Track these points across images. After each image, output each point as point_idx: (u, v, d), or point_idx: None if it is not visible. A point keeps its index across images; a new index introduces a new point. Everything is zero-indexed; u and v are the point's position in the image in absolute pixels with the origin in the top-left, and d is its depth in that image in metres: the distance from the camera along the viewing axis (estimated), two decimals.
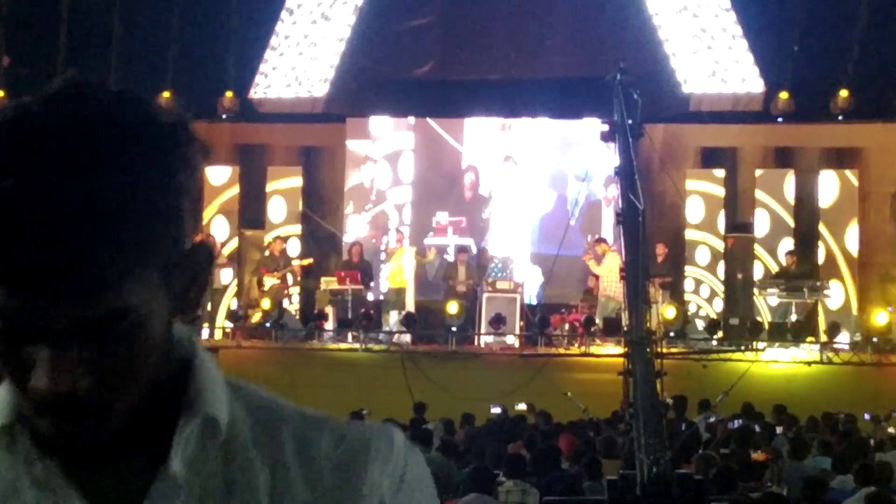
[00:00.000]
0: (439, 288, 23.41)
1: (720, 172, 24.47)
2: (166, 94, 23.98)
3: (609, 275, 21.81)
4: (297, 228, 25.15)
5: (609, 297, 21.91)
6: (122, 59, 25.44)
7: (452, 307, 21.95)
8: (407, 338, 22.16)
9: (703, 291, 24.12)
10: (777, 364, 20.37)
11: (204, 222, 24.81)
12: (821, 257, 23.62)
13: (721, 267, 24.01)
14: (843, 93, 24.11)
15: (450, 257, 24.12)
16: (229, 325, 23.25)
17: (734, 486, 10.78)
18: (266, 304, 22.74)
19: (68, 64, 25.22)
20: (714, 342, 21.52)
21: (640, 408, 10.26)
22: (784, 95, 24.34)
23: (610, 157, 12.64)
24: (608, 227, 23.54)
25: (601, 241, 22.84)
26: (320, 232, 25.15)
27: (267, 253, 23.84)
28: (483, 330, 21.94)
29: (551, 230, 23.37)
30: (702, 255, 24.21)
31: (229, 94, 25.61)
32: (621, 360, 11.91)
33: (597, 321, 21.70)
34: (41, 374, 1.36)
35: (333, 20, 25.86)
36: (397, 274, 23.30)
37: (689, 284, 24.11)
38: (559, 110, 24.78)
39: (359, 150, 25.48)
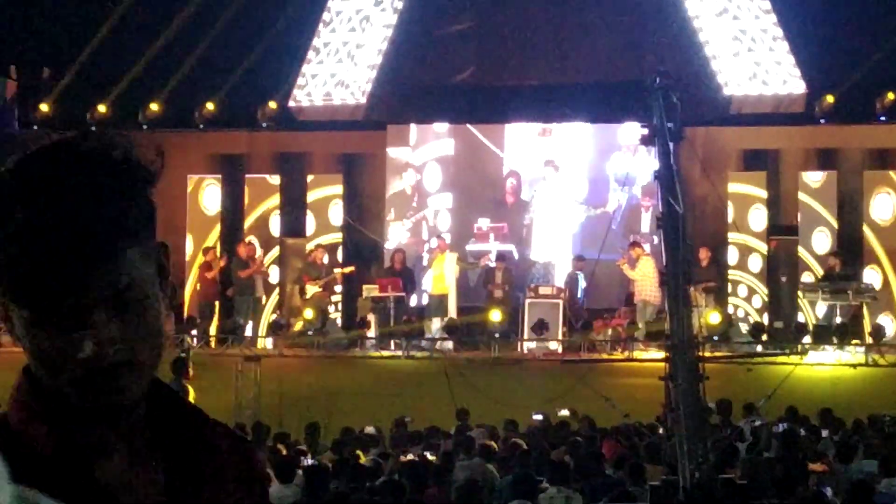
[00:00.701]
0: (481, 294, 23.38)
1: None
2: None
3: (644, 279, 21.74)
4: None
5: (646, 301, 21.83)
6: (164, 71, 25.62)
7: (495, 315, 21.90)
8: (449, 345, 22.13)
9: (756, 301, 23.83)
10: (822, 367, 20.22)
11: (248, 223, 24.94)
12: (878, 281, 23.18)
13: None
14: (891, 95, 23.87)
15: (493, 263, 24.07)
16: (272, 333, 23.29)
17: (783, 492, 10.69)
18: (308, 312, 22.78)
19: (111, 75, 25.47)
20: (759, 346, 21.38)
21: (683, 413, 10.21)
22: (830, 98, 24.11)
23: (651, 161, 12.59)
24: (649, 231, 23.46)
25: (635, 244, 22.73)
26: (362, 239, 25.15)
27: (309, 261, 23.87)
28: (526, 336, 21.88)
29: (593, 235, 23.29)
30: (757, 262, 23.97)
31: (272, 104, 25.61)
32: (664, 364, 11.84)
33: (639, 325, 21.61)
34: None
35: (372, 28, 25.89)
36: (439, 281, 23.25)
37: (741, 290, 23.89)
38: (599, 114, 24.72)
39: (399, 156, 25.49)
